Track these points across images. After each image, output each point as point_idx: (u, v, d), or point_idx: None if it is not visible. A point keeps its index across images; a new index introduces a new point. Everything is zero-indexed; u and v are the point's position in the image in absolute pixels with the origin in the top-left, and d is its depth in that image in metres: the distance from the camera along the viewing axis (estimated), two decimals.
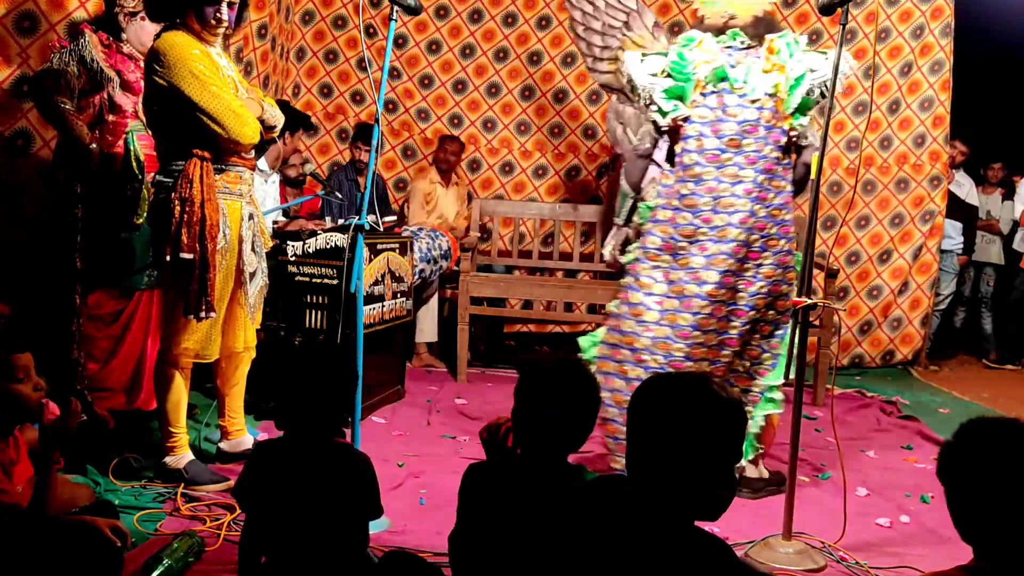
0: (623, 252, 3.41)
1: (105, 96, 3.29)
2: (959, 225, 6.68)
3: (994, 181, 7.15)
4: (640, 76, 3.06)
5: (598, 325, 5.83)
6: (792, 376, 2.77)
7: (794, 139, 3.03)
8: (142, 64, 3.33)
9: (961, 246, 6.75)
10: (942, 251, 6.20)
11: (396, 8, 2.77)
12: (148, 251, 3.31)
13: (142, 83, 3.29)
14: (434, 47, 6.06)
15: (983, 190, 7.14)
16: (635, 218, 3.74)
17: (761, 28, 3.03)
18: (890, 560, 2.65)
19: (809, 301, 2.63)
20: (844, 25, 2.65)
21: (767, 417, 3.14)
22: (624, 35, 3.67)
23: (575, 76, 6.06)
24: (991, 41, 6.85)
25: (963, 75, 5.97)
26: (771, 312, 3.06)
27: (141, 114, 3.32)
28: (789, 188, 3.04)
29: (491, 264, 5.69)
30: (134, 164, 3.33)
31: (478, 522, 1.83)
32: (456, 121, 6.12)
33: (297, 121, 4.81)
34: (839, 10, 2.65)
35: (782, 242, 3.02)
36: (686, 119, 3.02)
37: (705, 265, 2.97)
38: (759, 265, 3.00)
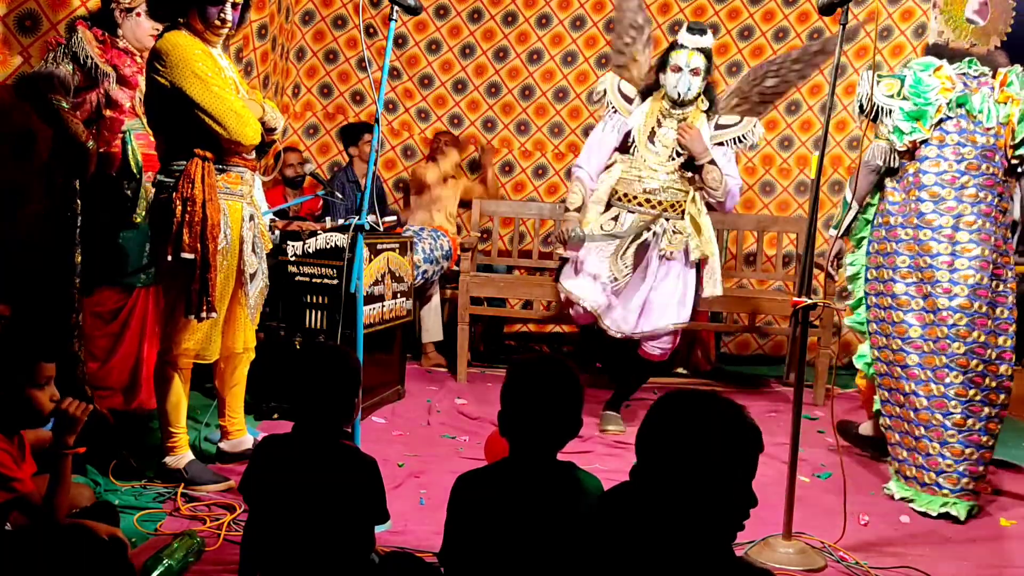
0: (839, 265, 3.59)
1: (102, 92, 3.30)
2: None
3: None
4: (879, 96, 3.22)
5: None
6: (792, 376, 2.76)
7: (1018, 167, 3.25)
8: (138, 59, 3.36)
9: None
10: None
11: (396, 8, 2.77)
12: (145, 249, 3.33)
13: (138, 78, 3.32)
14: (434, 47, 6.06)
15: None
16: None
17: (993, 59, 3.23)
18: (890, 560, 2.65)
19: (809, 301, 2.63)
20: (844, 25, 2.64)
21: None
22: (633, 48, 4.02)
23: (575, 75, 6.06)
24: None
25: None
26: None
27: (140, 113, 3.33)
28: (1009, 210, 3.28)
29: (491, 264, 5.69)
30: (132, 162, 3.33)
31: (475, 529, 1.83)
32: (456, 121, 6.12)
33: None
34: (839, 9, 2.65)
35: (1009, 257, 3.23)
36: (924, 142, 3.17)
37: (952, 279, 3.10)
38: (1004, 280, 3.17)
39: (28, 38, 3.39)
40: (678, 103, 3.85)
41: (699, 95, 3.87)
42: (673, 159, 3.85)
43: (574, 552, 1.58)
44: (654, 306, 3.84)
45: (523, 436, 1.83)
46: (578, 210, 3.91)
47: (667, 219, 3.86)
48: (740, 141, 3.93)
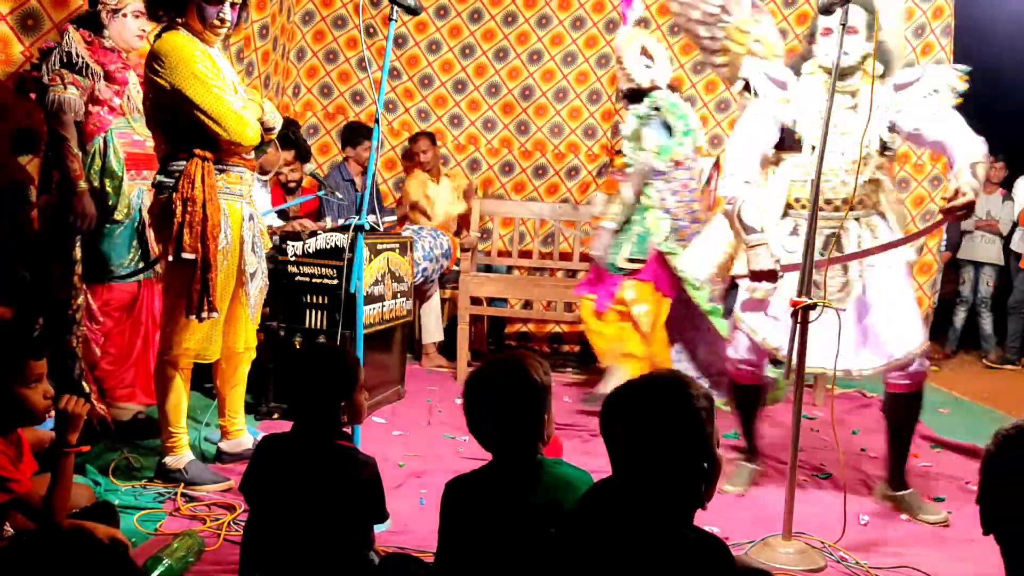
0: None
1: (89, 90, 3.31)
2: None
3: (995, 181, 7.15)
4: None
5: None
6: (792, 376, 2.76)
7: None
8: (124, 56, 3.39)
9: (944, 243, 6.75)
10: None
11: (396, 8, 2.77)
12: (131, 244, 3.40)
13: (125, 75, 3.36)
14: (434, 47, 6.06)
15: (983, 190, 7.13)
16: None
17: None
18: (890, 560, 2.65)
19: (809, 301, 2.63)
20: (844, 25, 2.64)
21: None
22: (725, 24, 3.52)
23: (575, 75, 6.06)
24: (991, 41, 6.84)
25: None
26: None
27: (126, 111, 3.35)
28: None
29: (491, 264, 5.69)
30: (113, 160, 3.34)
31: (466, 532, 1.83)
32: (456, 121, 6.12)
33: (302, 151, 4.93)
34: (839, 9, 2.65)
35: None
36: None
37: None
38: None
39: (30, 37, 3.40)
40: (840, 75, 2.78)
41: (864, 58, 3.04)
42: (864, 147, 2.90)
43: (563, 549, 1.58)
44: (879, 328, 3.04)
45: (486, 441, 1.85)
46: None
47: (856, 219, 3.12)
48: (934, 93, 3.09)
